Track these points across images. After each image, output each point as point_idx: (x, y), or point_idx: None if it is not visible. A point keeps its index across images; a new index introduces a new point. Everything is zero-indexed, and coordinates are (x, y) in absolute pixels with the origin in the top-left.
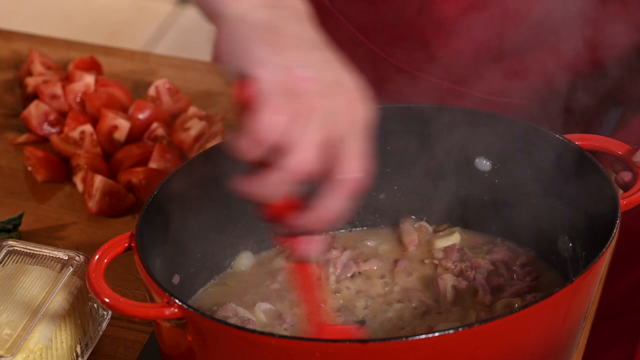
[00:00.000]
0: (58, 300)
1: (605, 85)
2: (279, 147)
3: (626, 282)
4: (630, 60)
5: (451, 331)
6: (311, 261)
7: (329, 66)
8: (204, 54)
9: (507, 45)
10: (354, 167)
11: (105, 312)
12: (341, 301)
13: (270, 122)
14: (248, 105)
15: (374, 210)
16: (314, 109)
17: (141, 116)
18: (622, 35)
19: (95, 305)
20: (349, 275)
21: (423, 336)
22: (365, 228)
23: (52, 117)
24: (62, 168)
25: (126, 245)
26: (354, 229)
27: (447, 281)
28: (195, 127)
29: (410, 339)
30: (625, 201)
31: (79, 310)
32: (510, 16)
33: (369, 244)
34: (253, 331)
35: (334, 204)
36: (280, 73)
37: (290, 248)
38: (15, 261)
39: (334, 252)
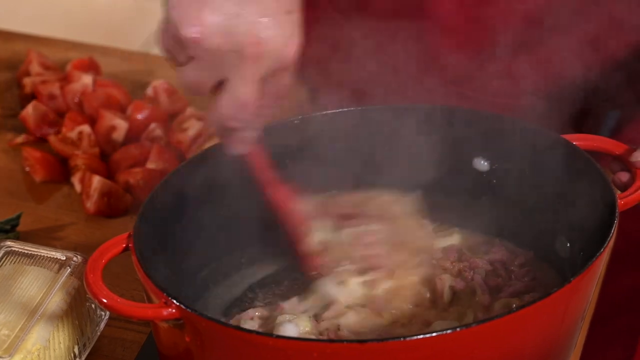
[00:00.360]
0: (56, 300)
1: (603, 88)
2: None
3: (624, 283)
4: (628, 62)
5: (449, 331)
6: (235, 154)
7: (233, 16)
8: None
9: (504, 45)
10: (226, 111)
11: (103, 313)
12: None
13: (162, 48)
14: None
15: None
16: (197, 58)
17: (139, 116)
18: (620, 37)
19: (93, 306)
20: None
21: (421, 336)
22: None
23: (50, 117)
24: (60, 168)
25: (124, 245)
26: None
27: (445, 281)
28: (193, 127)
29: (408, 339)
30: (623, 201)
31: (76, 310)
32: (506, 16)
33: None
34: (251, 331)
35: (219, 109)
36: (172, 23)
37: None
38: (13, 262)
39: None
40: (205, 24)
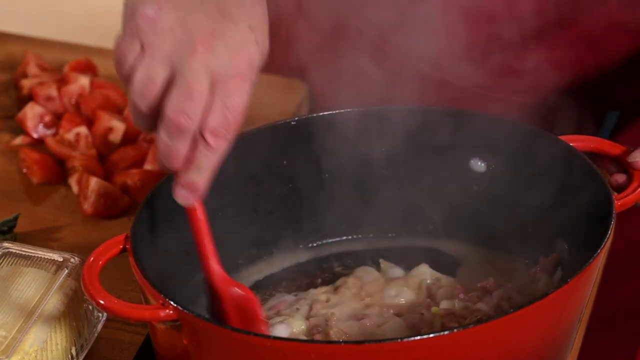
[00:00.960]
0: (53, 302)
1: (601, 89)
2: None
3: (625, 287)
4: (626, 63)
5: (447, 332)
6: (186, 205)
7: (190, 8)
8: None
9: (500, 39)
10: (173, 104)
11: (100, 314)
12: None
13: (116, 57)
14: None
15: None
16: (150, 45)
17: None
18: (620, 36)
19: (91, 307)
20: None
21: (418, 337)
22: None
23: (47, 119)
24: (57, 170)
25: (121, 247)
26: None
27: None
28: None
29: (405, 340)
30: (620, 202)
31: (74, 312)
32: (503, 10)
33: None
34: (248, 333)
35: (157, 141)
36: (128, 13)
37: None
38: (10, 263)
39: None
40: (162, 6)
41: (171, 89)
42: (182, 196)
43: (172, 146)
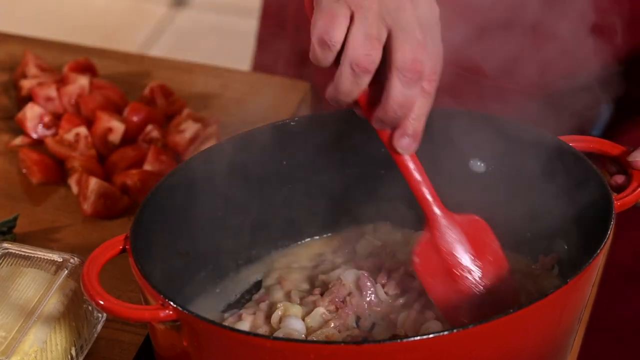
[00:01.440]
0: (53, 302)
1: (598, 83)
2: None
3: (625, 292)
4: (624, 58)
5: (446, 332)
6: (402, 154)
7: None
8: (199, 56)
9: (509, 28)
10: (404, 55)
11: (100, 315)
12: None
13: (322, 26)
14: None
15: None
16: (359, 6)
17: (136, 118)
18: (617, 33)
19: (90, 308)
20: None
21: (418, 338)
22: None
23: (46, 119)
24: (56, 170)
25: (120, 247)
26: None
27: None
28: (190, 129)
29: (405, 340)
30: (620, 202)
31: (73, 312)
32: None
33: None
34: (248, 333)
35: (392, 92)
36: None
37: (384, 141)
38: (10, 264)
39: None
40: None
41: (396, 42)
42: (406, 144)
43: (408, 94)
